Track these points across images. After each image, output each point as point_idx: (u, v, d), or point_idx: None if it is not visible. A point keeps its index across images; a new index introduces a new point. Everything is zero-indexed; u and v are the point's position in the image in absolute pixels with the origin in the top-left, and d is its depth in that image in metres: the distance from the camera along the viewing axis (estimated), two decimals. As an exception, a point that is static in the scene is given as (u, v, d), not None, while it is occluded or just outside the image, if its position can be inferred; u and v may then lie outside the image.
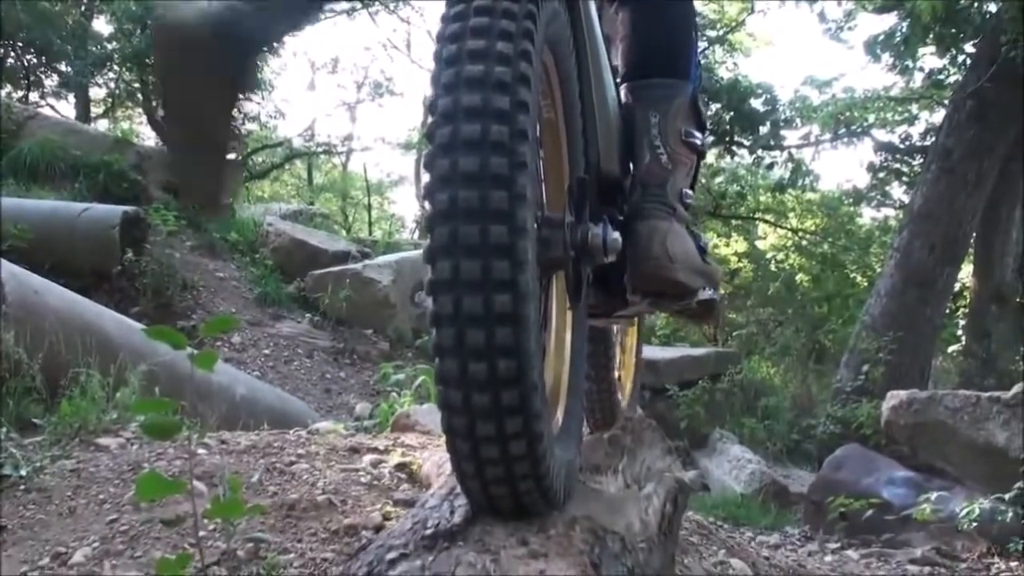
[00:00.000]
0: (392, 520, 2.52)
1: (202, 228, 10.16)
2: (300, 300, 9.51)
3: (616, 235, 1.77)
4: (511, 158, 1.27)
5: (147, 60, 16.27)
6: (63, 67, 16.45)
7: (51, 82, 17.00)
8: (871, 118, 16.25)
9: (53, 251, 7.11)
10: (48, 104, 17.10)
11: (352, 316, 9.26)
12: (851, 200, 18.98)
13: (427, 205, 1.29)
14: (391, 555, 1.31)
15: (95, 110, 19.43)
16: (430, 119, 1.31)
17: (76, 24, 16.28)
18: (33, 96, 16.52)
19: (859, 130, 16.42)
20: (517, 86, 1.30)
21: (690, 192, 2.13)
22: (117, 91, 18.78)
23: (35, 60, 16.35)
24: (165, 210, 9.26)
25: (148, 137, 17.63)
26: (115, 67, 17.43)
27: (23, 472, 2.91)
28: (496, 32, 1.32)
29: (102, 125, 18.03)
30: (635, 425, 2.19)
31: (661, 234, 1.91)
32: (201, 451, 3.12)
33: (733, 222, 20.38)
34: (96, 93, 19.15)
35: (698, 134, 2.11)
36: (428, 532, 1.35)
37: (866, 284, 15.43)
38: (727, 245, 21.27)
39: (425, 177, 1.30)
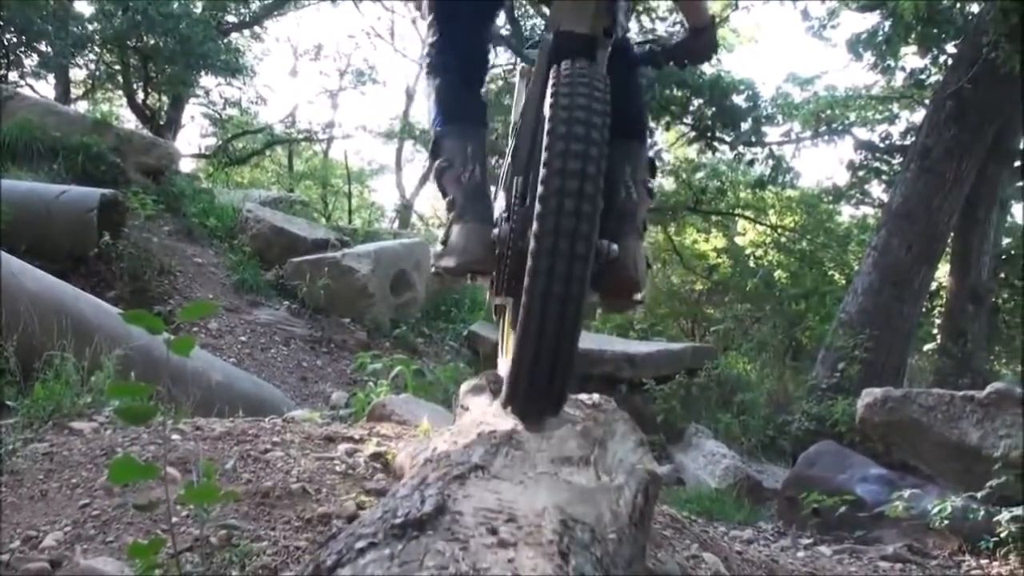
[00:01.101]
0: (366, 509, 2.53)
1: (181, 213, 10.12)
2: (278, 288, 9.49)
3: (616, 246, 2.42)
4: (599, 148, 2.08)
5: (128, 42, 16.18)
6: (43, 47, 16.32)
7: (31, 62, 16.87)
8: (852, 116, 16.30)
9: (30, 233, 7.06)
10: (27, 84, 16.98)
11: (330, 305, 9.25)
12: (830, 198, 19.04)
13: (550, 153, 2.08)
14: (360, 544, 1.31)
15: (75, 91, 19.29)
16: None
17: (57, 4, 16.16)
18: (12, 76, 16.37)
19: (840, 128, 16.47)
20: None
21: (647, 222, 2.81)
22: (97, 72, 18.66)
23: (15, 40, 16.21)
24: (144, 194, 9.22)
25: (128, 120, 17.56)
26: (95, 48, 17.33)
27: (-4, 455, 2.90)
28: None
29: (82, 107, 17.91)
30: (608, 417, 2.20)
31: (633, 256, 2.57)
32: (175, 437, 3.11)
33: (713, 217, 20.42)
34: (76, 74, 19.04)
35: (652, 181, 2.83)
36: (398, 521, 1.36)
37: (844, 282, 15.48)
38: (706, 240, 21.30)
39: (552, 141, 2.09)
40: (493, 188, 2.97)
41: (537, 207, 2.05)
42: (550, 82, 2.24)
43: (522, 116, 2.67)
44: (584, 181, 2.03)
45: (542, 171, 2.07)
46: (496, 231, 2.55)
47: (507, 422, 2.05)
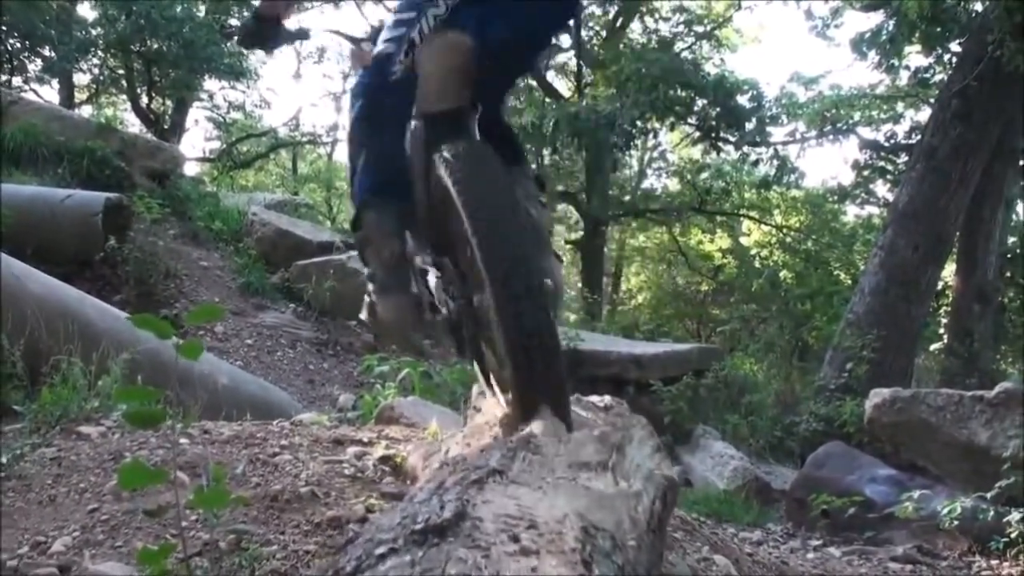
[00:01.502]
0: (376, 513, 2.51)
1: (186, 216, 10.11)
2: (284, 290, 9.46)
3: None
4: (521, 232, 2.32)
5: (132, 46, 16.17)
6: (47, 52, 16.32)
7: (35, 67, 16.86)
8: (857, 116, 16.30)
9: (35, 237, 7.05)
10: (31, 89, 16.98)
11: (336, 307, 9.22)
12: (835, 198, 19.03)
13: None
14: (380, 550, 1.29)
15: (79, 96, 19.30)
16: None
17: (60, 9, 16.16)
18: (16, 81, 16.37)
19: (844, 128, 16.47)
20: None
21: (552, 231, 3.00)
22: (101, 77, 18.66)
23: (19, 44, 16.21)
24: (149, 197, 9.21)
25: (132, 124, 17.56)
26: (99, 53, 17.33)
27: (3, 459, 2.88)
28: None
29: (86, 111, 17.92)
30: (625, 422, 2.17)
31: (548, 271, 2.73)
32: (184, 441, 3.09)
33: (718, 218, 20.41)
34: (80, 79, 19.04)
35: (542, 195, 2.97)
36: (418, 527, 1.33)
37: (850, 282, 15.47)
38: (711, 241, 21.29)
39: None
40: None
41: (491, 300, 2.20)
42: (447, 175, 2.36)
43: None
44: (524, 264, 2.21)
45: (481, 264, 2.22)
46: (433, 304, 2.79)
47: (525, 426, 2.03)
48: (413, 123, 2.67)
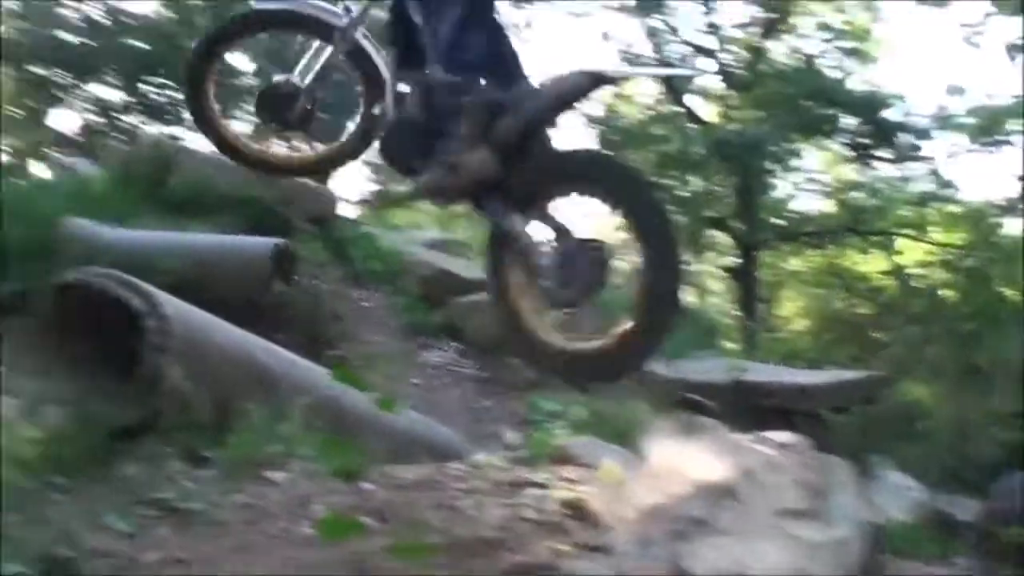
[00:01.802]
0: (565, 560, 2.49)
1: (346, 258, 10.30)
2: (446, 328, 9.53)
3: None
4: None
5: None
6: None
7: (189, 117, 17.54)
8: (1015, 125, 15.67)
9: (207, 284, 7.26)
10: (188, 139, 17.67)
11: (497, 345, 9.21)
12: (998, 211, 18.29)
13: None
14: (596, 607, 1.29)
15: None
16: None
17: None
18: (176, 130, 17.06)
19: (1003, 139, 15.87)
20: None
21: None
22: (256, 124, 19.30)
23: (176, 95, 16.91)
24: (311, 241, 9.43)
25: (287, 171, 18.08)
26: (251, 100, 17.94)
27: (197, 506, 2.97)
28: None
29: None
30: (823, 464, 2.12)
31: None
32: (369, 486, 3.14)
33: (871, 238, 19.81)
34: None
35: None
36: (632, 583, 1.32)
37: (1019, 299, 14.80)
38: (867, 263, 20.65)
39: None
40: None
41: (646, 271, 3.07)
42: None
43: None
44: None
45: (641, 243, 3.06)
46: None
47: (716, 469, 2.00)
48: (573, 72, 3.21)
